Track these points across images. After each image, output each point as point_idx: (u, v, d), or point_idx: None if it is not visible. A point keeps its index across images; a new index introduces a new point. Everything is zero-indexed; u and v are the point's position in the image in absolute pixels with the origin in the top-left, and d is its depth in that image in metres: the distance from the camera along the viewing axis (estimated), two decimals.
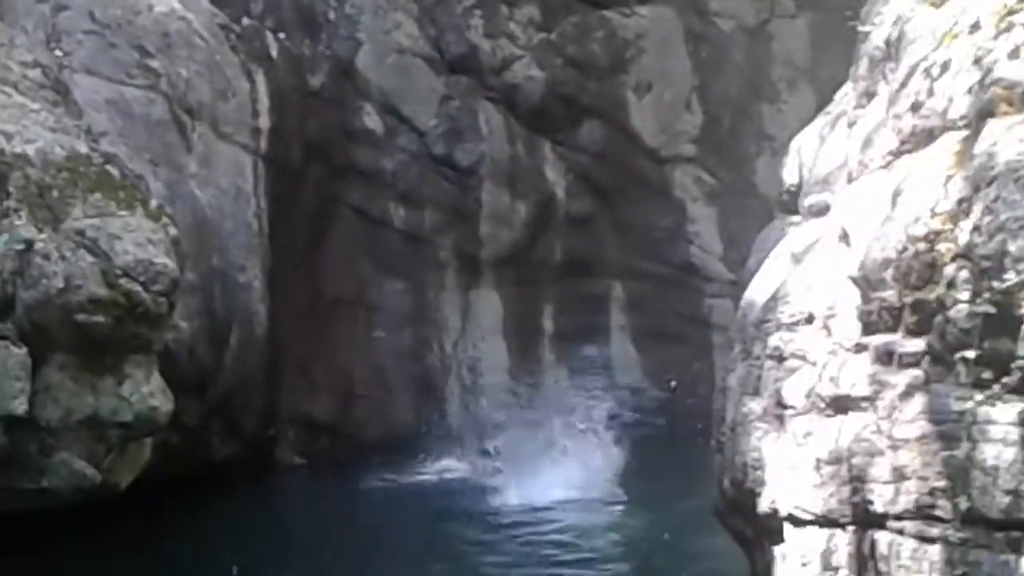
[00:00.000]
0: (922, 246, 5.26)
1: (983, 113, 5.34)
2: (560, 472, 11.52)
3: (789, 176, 8.00)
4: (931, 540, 5.10)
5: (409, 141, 13.86)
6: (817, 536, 5.76)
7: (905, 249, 5.33)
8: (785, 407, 6.13)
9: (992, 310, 4.91)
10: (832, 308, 5.96)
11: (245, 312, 12.19)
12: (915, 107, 5.83)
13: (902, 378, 5.28)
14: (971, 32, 5.64)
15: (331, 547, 9.77)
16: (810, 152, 7.68)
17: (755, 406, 6.45)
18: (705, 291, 14.13)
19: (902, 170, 5.78)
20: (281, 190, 13.00)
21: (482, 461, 12.52)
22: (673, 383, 11.68)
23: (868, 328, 5.57)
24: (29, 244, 8.26)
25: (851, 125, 6.95)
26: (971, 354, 4.96)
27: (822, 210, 6.86)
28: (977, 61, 5.50)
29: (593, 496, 11.19)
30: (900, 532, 5.25)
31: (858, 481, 5.44)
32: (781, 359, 6.30)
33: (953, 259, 5.12)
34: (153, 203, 9.21)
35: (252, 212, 12.63)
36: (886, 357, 5.39)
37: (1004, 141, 5.08)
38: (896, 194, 5.60)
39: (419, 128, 13.87)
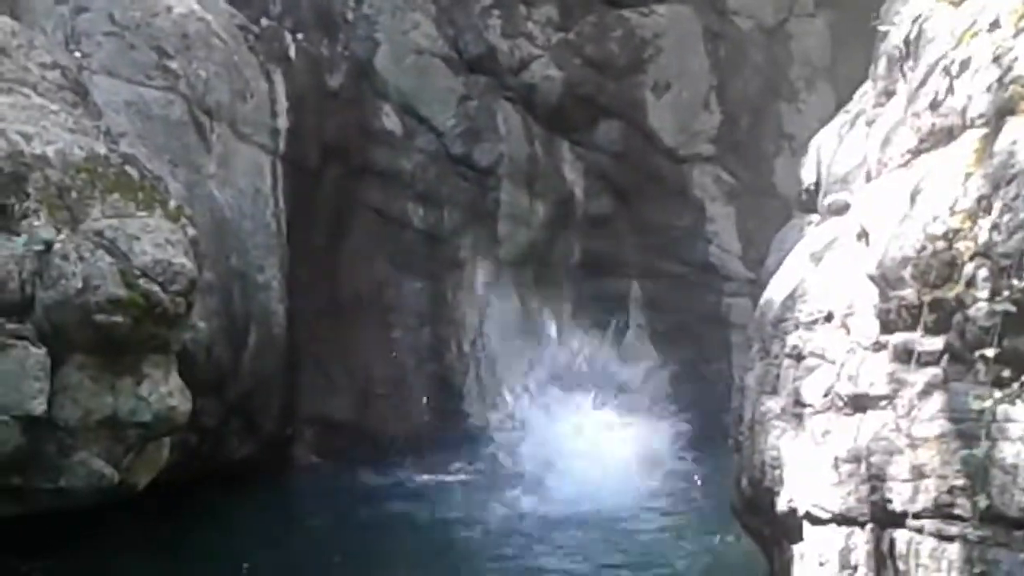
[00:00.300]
0: (941, 244, 5.25)
1: (1002, 111, 5.34)
2: (580, 473, 11.52)
3: (808, 175, 7.99)
4: (950, 538, 5.09)
5: (427, 141, 13.85)
6: (835, 535, 5.76)
7: (924, 247, 5.32)
8: (803, 406, 6.12)
9: (1012, 308, 4.91)
10: (850, 307, 5.95)
11: (263, 312, 12.20)
12: (934, 105, 5.83)
13: (921, 376, 5.28)
14: (990, 30, 5.63)
15: (347, 547, 9.77)
16: (829, 151, 7.67)
17: (773, 405, 6.45)
18: (724, 290, 14.10)
19: (921, 169, 5.77)
20: (300, 190, 13.00)
21: (501, 461, 12.51)
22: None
23: (886, 327, 5.56)
24: (48, 245, 8.29)
25: (870, 124, 6.95)
26: (990, 352, 4.96)
27: (841, 209, 6.85)
28: (996, 59, 5.49)
29: (610, 496, 11.18)
30: (919, 531, 5.24)
31: (877, 479, 5.44)
32: (799, 358, 6.29)
33: (972, 257, 5.11)
34: (172, 204, 9.22)
35: (271, 212, 12.64)
36: (905, 355, 5.39)
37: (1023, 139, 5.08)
38: (915, 193, 5.60)
39: (437, 128, 13.86)
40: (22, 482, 8.23)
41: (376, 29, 13.92)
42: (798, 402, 6.17)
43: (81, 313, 8.21)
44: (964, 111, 5.61)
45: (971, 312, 5.04)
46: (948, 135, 5.71)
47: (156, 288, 8.41)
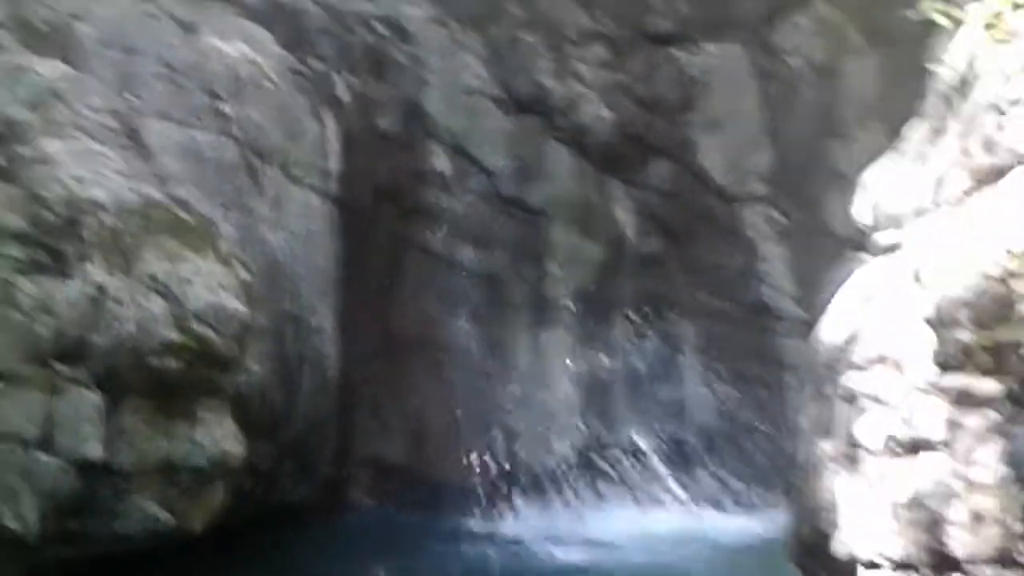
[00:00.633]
0: (997, 285, 5.21)
1: None
2: (635, 515, 11.48)
3: (860, 214, 7.94)
4: None
5: (478, 182, 13.86)
6: None
7: (980, 288, 5.27)
8: (858, 448, 6.07)
9: None
10: (905, 348, 5.90)
11: (317, 355, 12.22)
12: (987, 144, 5.79)
13: (978, 420, 5.22)
14: None
15: None
16: (881, 190, 7.62)
17: (828, 447, 6.39)
18: (777, 331, 13.99)
19: (975, 208, 5.72)
20: (352, 232, 13.03)
21: (555, 505, 12.47)
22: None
23: (942, 369, 5.51)
24: (102, 289, 8.37)
25: (922, 163, 6.90)
26: None
27: (894, 248, 6.81)
28: None
29: (669, 538, 11.13)
30: None
31: (934, 525, 5.37)
32: (853, 400, 6.24)
33: None
34: (224, 247, 9.29)
35: (323, 255, 12.67)
36: (961, 398, 5.33)
37: None
38: (969, 232, 5.55)
39: (488, 169, 13.88)
40: (77, 526, 8.28)
41: (426, 70, 13.96)
42: (853, 445, 6.12)
43: (135, 357, 8.28)
44: (1017, 149, 5.57)
45: None
46: (1001, 174, 5.67)
47: (209, 332, 8.48)
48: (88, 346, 8.25)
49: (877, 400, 6.06)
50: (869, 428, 6.01)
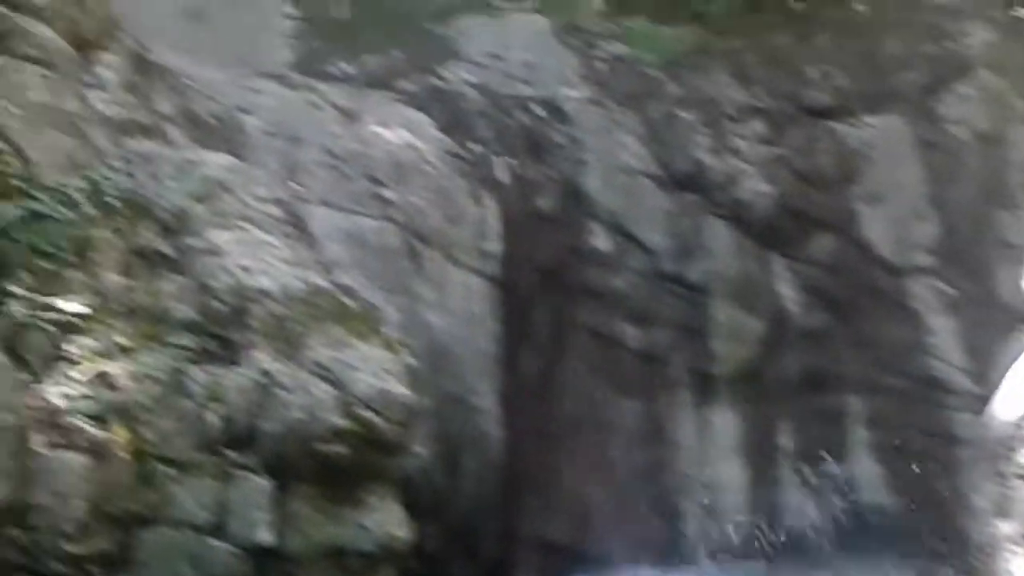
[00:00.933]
0: None
1: None
2: None
3: None
4: None
5: (639, 260, 13.82)
6: None
7: None
8: None
9: None
10: None
11: (480, 436, 12.26)
12: None
13: None
14: None
15: None
16: None
17: (1006, 528, 6.23)
18: (948, 405, 13.67)
19: None
20: (513, 313, 13.08)
21: None
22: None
23: None
24: (270, 376, 8.50)
25: None
26: None
27: None
28: None
29: None
30: None
31: None
32: None
33: None
34: (388, 333, 9.40)
35: (484, 336, 12.74)
36: None
37: None
38: None
39: (648, 246, 13.84)
40: None
41: (584, 150, 14.00)
42: None
43: (303, 443, 8.38)
44: None
45: None
46: None
47: (375, 417, 8.55)
48: (257, 433, 8.38)
49: None
50: None
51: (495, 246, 13.07)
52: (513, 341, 13.03)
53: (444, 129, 13.40)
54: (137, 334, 8.43)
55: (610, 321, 13.84)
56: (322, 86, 13.37)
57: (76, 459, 7.73)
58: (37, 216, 8.36)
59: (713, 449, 13.73)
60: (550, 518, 13.24)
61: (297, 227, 10.26)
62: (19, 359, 7.94)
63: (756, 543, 12.51)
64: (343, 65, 13.97)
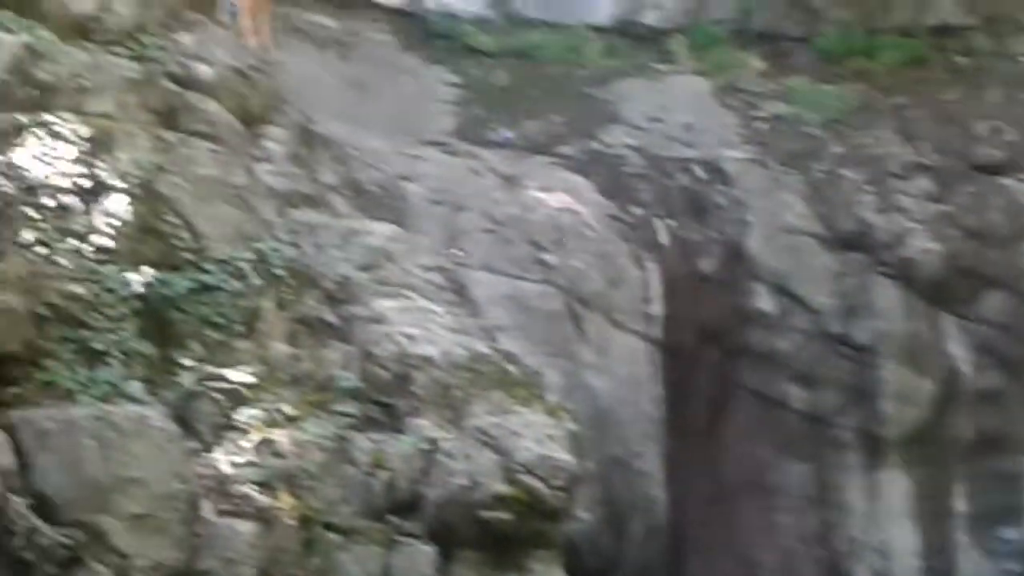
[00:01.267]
0: None
1: None
2: None
3: None
4: None
5: (804, 321, 13.65)
6: None
7: None
8: None
9: None
10: None
11: (645, 500, 12.21)
12: None
13: None
14: None
15: None
16: None
17: None
18: None
19: None
20: (676, 375, 13.02)
21: None
22: None
23: None
24: (434, 443, 8.55)
25: None
26: None
27: None
28: None
29: None
30: None
31: None
32: None
33: None
34: (551, 398, 9.40)
35: (648, 398, 12.70)
36: None
37: None
38: None
39: (813, 307, 13.66)
40: None
41: (747, 211, 13.90)
42: None
43: (467, 510, 8.40)
44: None
45: None
46: None
47: (539, 484, 8.52)
48: (421, 499, 8.42)
49: None
50: None
51: (657, 308, 13.05)
52: (676, 403, 12.96)
53: (605, 192, 13.44)
54: (303, 402, 8.54)
55: (775, 382, 13.68)
56: (483, 152, 13.54)
57: (244, 526, 7.83)
58: (207, 288, 8.57)
59: (883, 513, 13.47)
60: None
61: (459, 293, 10.34)
62: (189, 428, 8.10)
63: None
64: (504, 131, 14.11)
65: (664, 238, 13.54)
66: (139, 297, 8.27)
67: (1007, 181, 14.00)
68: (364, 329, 9.15)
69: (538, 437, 8.77)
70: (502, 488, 8.42)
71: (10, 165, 8.39)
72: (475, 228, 12.21)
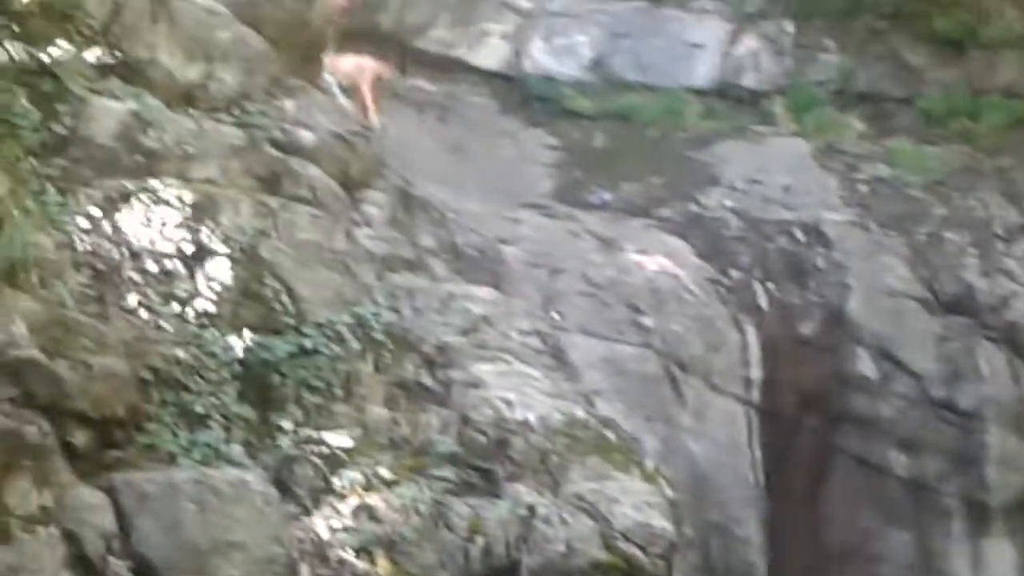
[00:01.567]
0: None
1: None
2: None
3: None
4: None
5: (906, 385, 13.43)
6: None
7: None
8: None
9: None
10: None
11: (744, 566, 12.07)
12: None
13: None
14: None
15: None
16: None
17: None
18: None
19: None
20: (775, 440, 12.89)
21: None
22: None
23: None
24: (532, 509, 8.52)
25: None
26: None
27: None
28: None
29: None
30: None
31: None
32: None
33: None
34: (649, 465, 9.36)
35: (747, 463, 12.58)
36: None
37: None
38: None
39: (916, 372, 13.45)
40: None
41: (848, 275, 13.75)
42: None
43: None
44: None
45: None
46: None
47: (637, 551, 8.47)
48: (518, 565, 8.37)
49: None
50: None
51: (756, 372, 12.94)
52: (776, 469, 12.82)
53: (703, 255, 13.39)
54: (400, 466, 8.57)
55: (877, 448, 13.47)
56: (582, 214, 13.55)
57: None
58: (306, 351, 8.65)
59: None
60: None
61: (556, 357, 10.34)
62: (288, 491, 8.14)
63: None
64: (602, 193, 14.13)
65: (763, 301, 13.44)
66: (240, 361, 8.36)
67: None
68: (462, 393, 9.18)
69: (636, 503, 8.73)
70: (600, 555, 8.38)
71: (116, 230, 8.53)
72: (573, 291, 12.19)
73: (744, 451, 12.56)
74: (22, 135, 8.19)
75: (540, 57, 16.01)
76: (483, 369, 9.38)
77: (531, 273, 12.13)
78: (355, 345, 8.90)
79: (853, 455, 13.45)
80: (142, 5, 9.63)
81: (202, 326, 8.41)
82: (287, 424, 8.43)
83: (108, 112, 9.02)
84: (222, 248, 8.77)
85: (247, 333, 8.52)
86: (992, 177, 14.40)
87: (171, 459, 7.74)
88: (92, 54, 9.11)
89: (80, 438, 7.35)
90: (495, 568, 8.39)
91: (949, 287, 13.74)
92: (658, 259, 12.92)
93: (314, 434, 8.40)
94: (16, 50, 8.41)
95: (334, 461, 8.34)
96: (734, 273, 13.53)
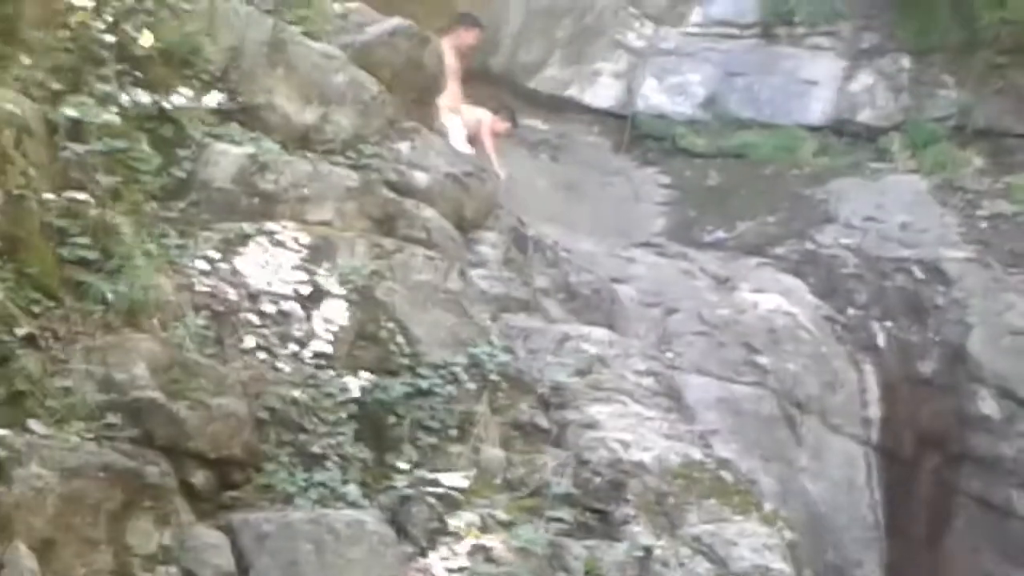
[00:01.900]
0: None
1: None
2: None
3: None
4: None
5: None
6: None
7: None
8: None
9: None
10: None
11: None
12: None
13: None
14: None
15: None
16: None
17: None
18: None
19: None
20: (895, 480, 12.76)
21: None
22: None
23: None
24: (648, 551, 8.44)
25: None
26: None
27: None
28: None
29: None
30: None
31: None
32: None
33: None
34: (767, 507, 9.24)
35: (866, 504, 12.45)
36: None
37: None
38: None
39: None
40: None
41: (968, 312, 13.57)
42: None
43: None
44: None
45: None
46: None
47: None
48: None
49: None
50: None
51: (875, 411, 12.82)
52: (896, 510, 12.67)
53: (820, 293, 13.31)
54: (516, 507, 8.52)
55: (999, 489, 13.24)
56: (696, 253, 13.51)
57: None
58: (422, 392, 8.66)
59: None
60: None
61: (672, 397, 10.25)
62: (403, 532, 8.14)
63: None
64: (718, 232, 14.08)
65: (881, 340, 13.32)
66: (356, 401, 8.37)
67: None
68: (577, 434, 9.13)
69: (754, 546, 8.61)
70: None
71: (234, 272, 8.60)
72: (687, 330, 12.15)
73: (863, 492, 12.44)
74: (144, 180, 8.30)
75: (653, 96, 16.02)
76: (598, 410, 9.32)
77: (645, 312, 12.10)
78: (470, 386, 8.87)
79: (975, 496, 13.24)
80: (259, 50, 9.75)
81: (318, 367, 8.44)
82: (403, 464, 8.42)
83: (226, 156, 9.13)
84: (338, 289, 8.80)
85: (363, 374, 8.53)
86: None
87: (288, 499, 7.75)
88: (211, 99, 9.22)
89: (199, 478, 7.39)
90: None
91: None
92: (774, 298, 12.86)
93: (429, 475, 8.38)
94: (137, 96, 8.54)
95: (449, 502, 8.31)
96: (851, 311, 13.43)
